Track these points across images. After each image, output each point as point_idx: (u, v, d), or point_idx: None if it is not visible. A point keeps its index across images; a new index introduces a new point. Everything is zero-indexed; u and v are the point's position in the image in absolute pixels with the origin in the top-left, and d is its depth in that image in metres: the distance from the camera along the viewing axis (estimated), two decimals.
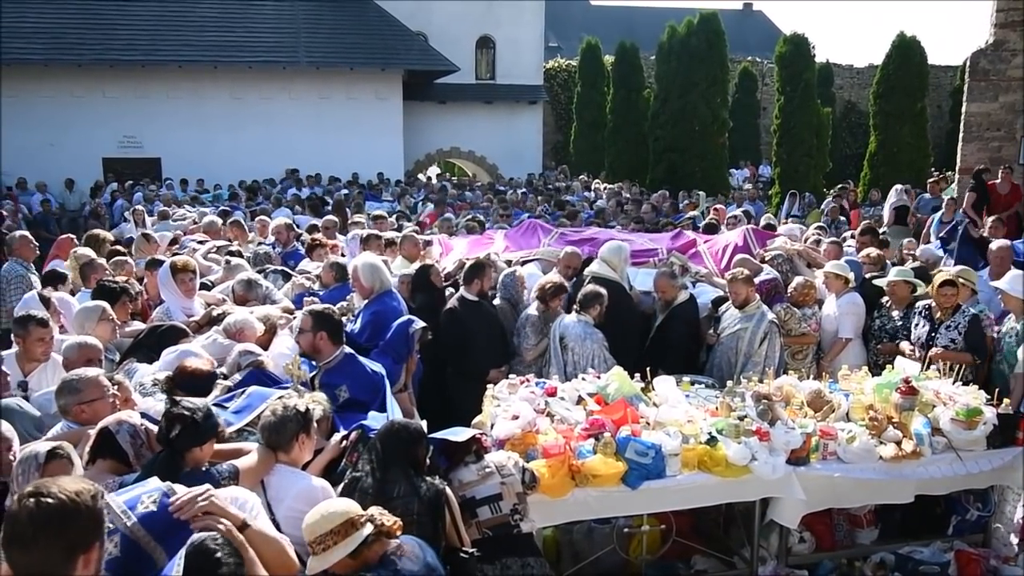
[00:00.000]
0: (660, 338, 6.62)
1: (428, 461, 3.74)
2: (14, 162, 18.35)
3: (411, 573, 2.91)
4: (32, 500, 1.95)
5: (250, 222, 11.07)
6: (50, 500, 1.95)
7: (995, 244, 7.68)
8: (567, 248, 7.51)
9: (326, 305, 5.10)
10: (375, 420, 4.18)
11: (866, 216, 14.35)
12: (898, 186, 14.59)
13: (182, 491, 2.68)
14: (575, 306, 6.22)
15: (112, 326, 5.19)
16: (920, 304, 6.47)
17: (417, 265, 7.32)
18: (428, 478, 3.56)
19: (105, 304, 5.23)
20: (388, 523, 2.92)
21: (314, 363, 4.65)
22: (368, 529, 2.84)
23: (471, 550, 3.54)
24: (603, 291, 6.16)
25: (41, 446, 3.08)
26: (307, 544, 2.86)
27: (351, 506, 2.94)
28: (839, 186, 17.66)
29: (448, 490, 3.59)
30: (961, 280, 6.32)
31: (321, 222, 10.56)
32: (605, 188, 18.96)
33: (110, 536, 2.51)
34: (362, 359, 4.76)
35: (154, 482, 2.76)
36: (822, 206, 15.75)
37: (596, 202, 16.06)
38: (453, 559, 3.42)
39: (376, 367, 4.78)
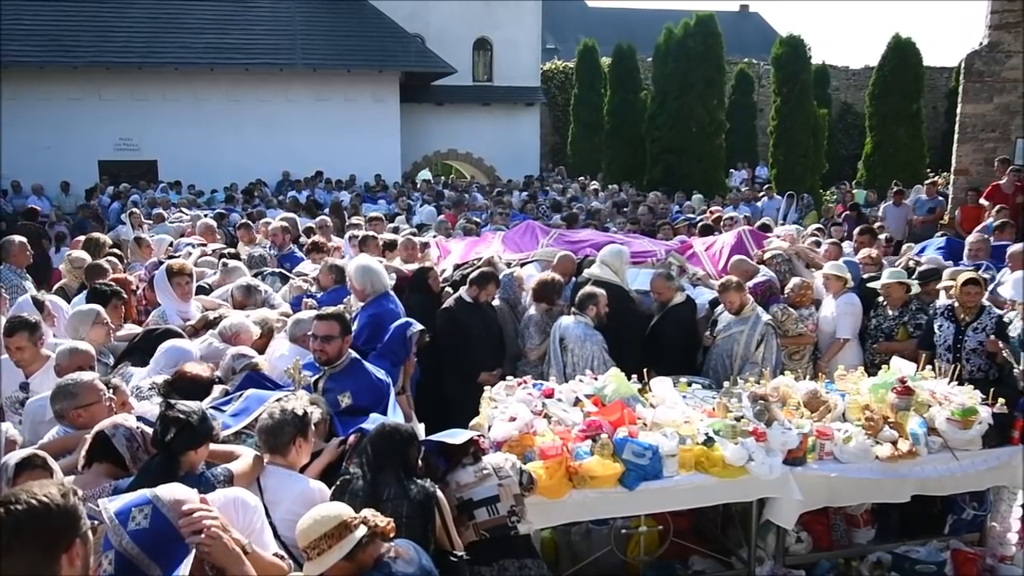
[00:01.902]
0: (655, 339, 6.63)
1: (423, 463, 3.74)
2: (9, 164, 18.26)
3: (406, 575, 2.91)
4: (1, 509, 1.95)
5: (253, 224, 11.02)
6: (19, 505, 1.95)
7: (1012, 248, 7.63)
8: (560, 252, 7.52)
9: (338, 308, 5.05)
10: (374, 423, 4.18)
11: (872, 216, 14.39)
12: (918, 186, 14.73)
13: (167, 496, 2.63)
14: (572, 308, 6.24)
15: (106, 330, 5.17)
16: (940, 304, 6.43)
17: (414, 267, 7.33)
18: (419, 481, 3.55)
19: (100, 308, 5.22)
20: (382, 524, 2.91)
21: (317, 366, 4.60)
22: (362, 531, 2.83)
23: (460, 554, 3.54)
24: (598, 291, 6.17)
25: (13, 457, 3.02)
26: (302, 550, 2.85)
27: (343, 509, 2.93)
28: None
29: (439, 493, 3.58)
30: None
31: (316, 222, 10.55)
32: (596, 187, 18.96)
33: (104, 553, 2.50)
34: (368, 365, 4.73)
35: (141, 491, 2.73)
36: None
37: (592, 203, 16.07)
38: (443, 562, 3.42)
39: (381, 374, 4.75)
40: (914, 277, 7.03)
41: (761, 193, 17.84)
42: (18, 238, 7.89)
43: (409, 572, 2.93)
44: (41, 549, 1.96)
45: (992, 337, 5.95)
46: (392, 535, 2.96)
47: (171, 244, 9.39)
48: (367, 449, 3.59)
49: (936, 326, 6.29)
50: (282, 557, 2.83)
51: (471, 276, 6.63)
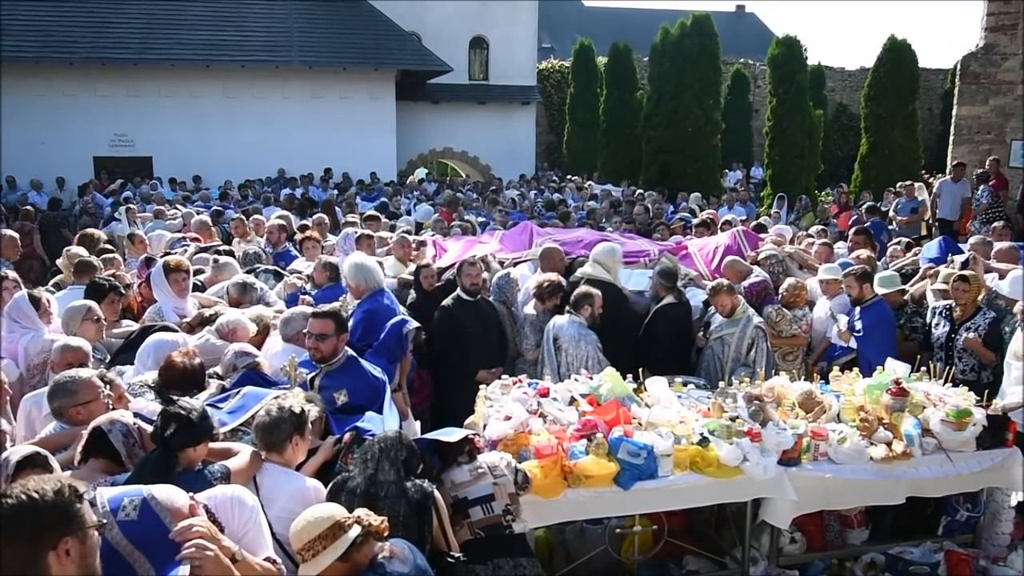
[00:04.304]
0: (647, 337, 6.65)
1: (422, 466, 3.74)
2: (5, 160, 18.21)
3: (401, 575, 2.91)
4: None
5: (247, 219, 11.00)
6: (10, 500, 1.94)
7: (997, 245, 7.69)
8: (545, 245, 7.49)
9: (334, 306, 5.02)
10: (370, 422, 4.18)
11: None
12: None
13: (164, 496, 2.60)
14: (567, 307, 6.23)
15: (98, 326, 5.14)
16: (940, 304, 6.50)
17: (412, 266, 7.34)
18: (417, 480, 3.55)
19: (92, 303, 5.19)
20: (375, 523, 2.91)
21: (313, 363, 4.58)
22: (356, 531, 2.83)
23: (457, 555, 3.54)
24: (594, 291, 6.17)
25: (14, 455, 3.00)
26: (296, 552, 2.84)
27: (336, 509, 2.93)
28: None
29: (437, 493, 3.58)
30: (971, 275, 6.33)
31: (313, 220, 10.53)
32: (591, 185, 18.96)
33: None
34: (364, 363, 4.71)
35: (137, 487, 2.70)
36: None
37: (588, 202, 16.07)
38: (439, 563, 3.42)
39: (377, 372, 4.73)
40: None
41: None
42: (8, 232, 7.88)
43: (404, 571, 2.93)
44: (26, 545, 1.94)
45: (969, 335, 5.99)
46: (386, 534, 2.96)
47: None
48: (373, 449, 3.57)
49: (933, 324, 6.36)
50: (274, 562, 2.80)
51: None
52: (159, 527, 2.52)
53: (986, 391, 5.08)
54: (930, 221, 13.88)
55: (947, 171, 14.20)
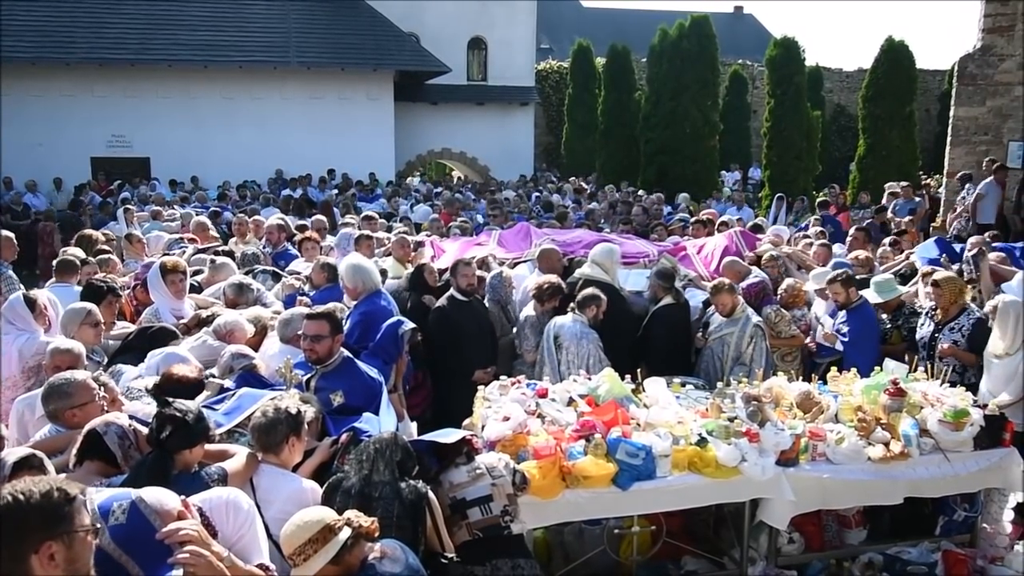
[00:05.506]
0: (644, 338, 6.66)
1: (418, 467, 3.73)
2: (2, 161, 18.20)
3: (392, 575, 2.91)
4: None
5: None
6: None
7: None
8: (544, 246, 7.48)
9: (329, 307, 5.02)
10: (367, 423, 4.17)
11: (855, 219, 14.33)
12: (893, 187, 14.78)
13: (152, 499, 2.59)
14: (571, 305, 6.23)
15: (97, 330, 5.11)
16: (928, 305, 6.51)
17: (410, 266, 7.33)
18: (412, 481, 3.54)
19: (91, 306, 5.17)
20: (365, 524, 2.91)
21: (309, 365, 4.57)
22: (346, 533, 2.83)
23: (451, 555, 3.53)
24: (602, 295, 6.18)
25: (10, 456, 2.98)
26: (287, 557, 2.83)
27: (326, 512, 2.93)
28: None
29: (431, 494, 3.57)
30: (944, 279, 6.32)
31: (312, 221, 10.53)
32: (585, 186, 18.97)
33: None
34: (360, 364, 4.70)
35: (125, 489, 2.70)
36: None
37: (589, 204, 16.07)
38: (434, 564, 3.41)
39: (374, 373, 4.72)
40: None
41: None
42: (5, 232, 7.90)
43: (395, 571, 2.92)
44: (9, 548, 1.94)
45: (945, 346, 6.01)
46: (376, 535, 2.96)
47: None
48: (368, 450, 3.57)
49: (919, 324, 6.38)
50: (266, 568, 2.78)
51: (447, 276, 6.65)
52: (148, 530, 2.51)
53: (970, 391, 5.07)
54: (969, 225, 12.60)
55: (950, 173, 14.13)
